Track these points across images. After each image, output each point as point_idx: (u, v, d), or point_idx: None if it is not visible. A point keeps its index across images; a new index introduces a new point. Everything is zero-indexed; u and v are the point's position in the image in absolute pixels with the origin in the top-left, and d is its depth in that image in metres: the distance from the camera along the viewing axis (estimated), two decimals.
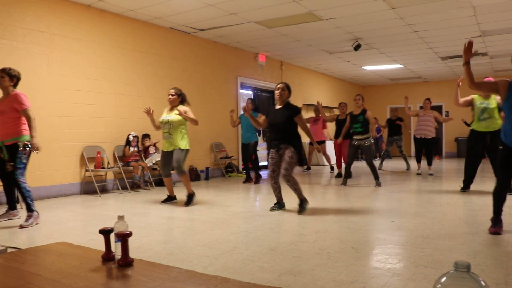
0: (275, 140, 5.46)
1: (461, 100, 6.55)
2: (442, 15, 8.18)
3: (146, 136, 8.25)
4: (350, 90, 17.66)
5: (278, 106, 5.51)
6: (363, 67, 14.17)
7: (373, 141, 8.04)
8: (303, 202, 5.41)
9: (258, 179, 8.81)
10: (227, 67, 10.66)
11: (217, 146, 10.24)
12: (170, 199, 6.35)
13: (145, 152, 8.18)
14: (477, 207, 5.54)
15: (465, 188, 6.93)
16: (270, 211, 5.47)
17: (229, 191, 7.60)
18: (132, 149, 7.85)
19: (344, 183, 8.10)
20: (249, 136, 8.76)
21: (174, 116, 5.97)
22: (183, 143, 6.02)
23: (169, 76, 8.93)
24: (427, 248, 3.61)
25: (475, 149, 6.56)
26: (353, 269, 3.06)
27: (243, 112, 8.90)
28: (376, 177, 7.91)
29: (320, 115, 10.74)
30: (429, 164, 9.63)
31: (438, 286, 1.09)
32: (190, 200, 6.06)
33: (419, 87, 17.92)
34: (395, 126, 11.32)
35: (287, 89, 5.47)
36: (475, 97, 6.50)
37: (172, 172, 6.25)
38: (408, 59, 12.73)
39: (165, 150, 6.12)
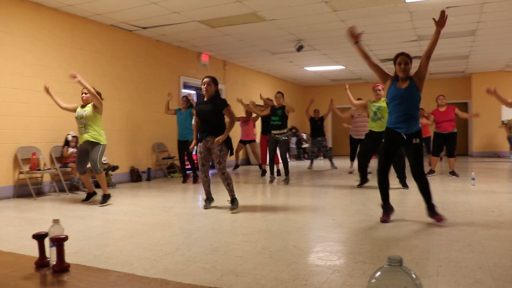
0: (202, 132, 5.58)
1: (356, 102, 7.63)
2: (381, 19, 8.46)
3: None
4: (293, 90, 17.93)
5: (206, 99, 5.61)
6: (305, 68, 14.41)
7: (286, 138, 8.14)
8: (234, 200, 5.54)
9: (196, 178, 8.74)
10: (169, 66, 10.52)
11: (159, 147, 10.08)
12: (90, 196, 6.42)
13: None
14: (413, 203, 5.78)
15: (362, 183, 7.60)
16: (204, 209, 5.58)
17: (171, 192, 7.50)
18: (71, 149, 7.57)
19: (271, 180, 8.29)
20: (186, 133, 8.66)
21: (87, 111, 6.08)
22: (100, 138, 6.13)
23: (109, 74, 8.69)
24: (366, 244, 3.72)
25: (369, 147, 7.40)
26: (294, 267, 3.10)
27: (181, 108, 8.88)
28: (287, 173, 8.20)
29: (251, 117, 10.90)
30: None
31: (372, 281, 1.12)
32: (105, 200, 6.11)
33: (360, 88, 18.39)
34: (317, 126, 11.55)
35: (213, 83, 5.57)
36: (369, 102, 7.45)
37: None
38: (349, 60, 13.07)
39: (81, 142, 6.19)
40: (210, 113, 5.46)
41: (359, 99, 8.08)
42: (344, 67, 14.25)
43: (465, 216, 4.89)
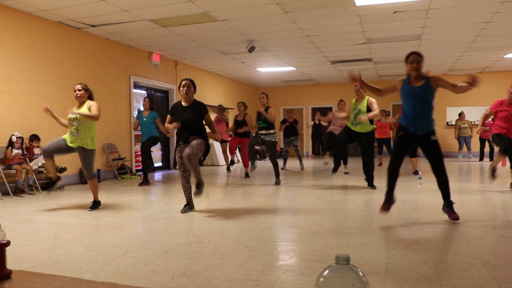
0: (181, 134, 5.34)
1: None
2: (331, 22, 8.62)
3: (34, 138, 7.67)
4: (245, 91, 17.98)
5: (185, 104, 5.41)
6: (257, 69, 14.48)
7: (274, 140, 8.12)
8: (200, 184, 5.34)
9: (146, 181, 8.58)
10: (119, 66, 10.29)
11: (109, 147, 9.85)
12: (54, 183, 5.92)
13: (29, 154, 7.62)
14: (363, 203, 5.93)
15: (335, 171, 7.73)
16: (182, 213, 5.32)
17: (121, 194, 7.35)
18: (15, 151, 7.26)
19: (246, 175, 8.30)
20: (150, 132, 8.45)
21: (83, 112, 5.64)
22: (92, 143, 5.72)
23: (57, 73, 8.41)
24: (317, 243, 3.78)
25: (343, 138, 7.41)
26: (246, 267, 3.11)
27: (143, 109, 8.68)
28: (277, 175, 8.17)
29: (224, 115, 11.04)
30: (345, 163, 10.18)
31: (321, 280, 1.14)
32: (95, 206, 5.77)
33: (311, 89, 18.75)
34: (290, 127, 11.71)
35: (192, 86, 5.40)
36: (353, 101, 7.34)
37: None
38: (301, 62, 13.24)
39: (68, 144, 5.69)
40: (191, 122, 5.29)
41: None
42: (295, 69, 14.42)
43: (412, 214, 5.06)
